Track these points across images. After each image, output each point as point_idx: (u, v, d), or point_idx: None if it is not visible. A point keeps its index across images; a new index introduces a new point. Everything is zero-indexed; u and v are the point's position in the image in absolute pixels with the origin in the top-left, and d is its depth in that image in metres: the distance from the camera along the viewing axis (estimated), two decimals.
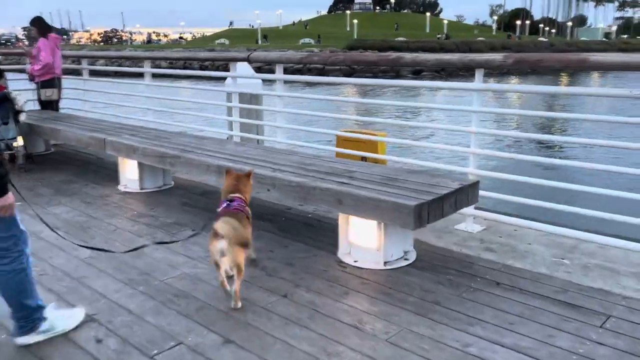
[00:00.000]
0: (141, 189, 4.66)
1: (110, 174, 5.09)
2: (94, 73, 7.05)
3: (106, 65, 13.77)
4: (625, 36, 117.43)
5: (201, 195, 4.54)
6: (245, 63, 5.40)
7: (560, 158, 3.13)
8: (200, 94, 6.24)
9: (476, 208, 3.52)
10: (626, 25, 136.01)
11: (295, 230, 3.65)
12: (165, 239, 3.49)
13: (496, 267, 3.01)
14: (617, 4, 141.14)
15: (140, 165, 4.53)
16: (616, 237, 3.20)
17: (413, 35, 73.45)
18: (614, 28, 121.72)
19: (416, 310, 2.51)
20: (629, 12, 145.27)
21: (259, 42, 68.28)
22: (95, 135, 4.79)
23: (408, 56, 3.74)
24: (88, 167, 5.54)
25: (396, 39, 65.84)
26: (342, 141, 6.96)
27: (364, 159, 7.18)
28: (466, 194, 2.96)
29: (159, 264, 3.11)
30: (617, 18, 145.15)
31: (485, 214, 3.53)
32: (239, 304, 2.54)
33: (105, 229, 3.74)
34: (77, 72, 7.09)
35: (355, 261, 3.06)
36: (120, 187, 4.77)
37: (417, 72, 41.64)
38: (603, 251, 3.19)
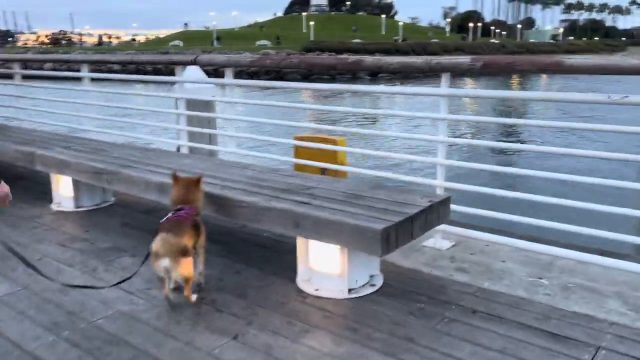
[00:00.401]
0: (77, 207, 4.19)
1: (44, 190, 4.57)
2: (28, 77, 6.45)
3: (54, 68, 12.95)
4: (571, 38, 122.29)
5: (145, 213, 4.10)
6: (197, 67, 5.00)
7: (533, 169, 2.93)
8: (149, 101, 5.78)
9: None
10: (572, 27, 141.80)
11: (249, 253, 3.28)
12: (98, 268, 3.06)
13: (471, 291, 2.74)
14: (562, 6, 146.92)
15: (75, 181, 4.06)
16: (594, 252, 2.99)
17: (369, 37, 73.96)
18: (561, 30, 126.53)
19: (386, 350, 2.19)
20: (574, 15, 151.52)
21: (215, 43, 67.15)
22: (22, 149, 4.27)
23: (369, 59, 3.44)
24: (17, 184, 4.93)
25: (353, 41, 66.10)
26: (301, 151, 6.64)
27: (324, 170, 6.90)
28: (437, 212, 2.67)
29: (90, 301, 2.68)
30: (563, 20, 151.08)
31: (455, 229, 3.27)
32: (194, 298, 2.61)
33: (29, 257, 3.26)
34: (9, 77, 6.47)
35: (316, 290, 2.72)
36: (53, 206, 4.28)
37: (375, 74, 41.82)
38: (582, 268, 2.97)
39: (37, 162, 4.08)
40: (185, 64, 4.52)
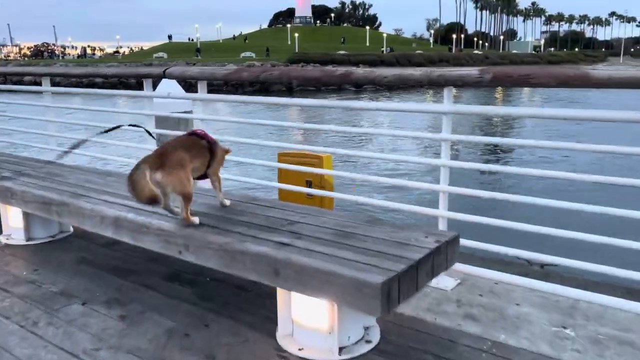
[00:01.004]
0: (28, 240, 3.68)
1: None
2: None
3: (20, 82, 12.36)
4: (552, 49, 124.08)
5: (106, 246, 3.60)
6: (173, 80, 4.54)
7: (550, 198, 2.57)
8: (122, 117, 5.28)
9: None
10: (553, 39, 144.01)
11: (221, 299, 2.80)
12: (40, 321, 2.56)
13: (485, 347, 2.29)
14: (543, 18, 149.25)
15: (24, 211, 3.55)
16: (621, 292, 2.58)
17: (354, 48, 74.10)
18: (542, 41, 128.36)
19: None
20: (554, 26, 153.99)
21: (199, 55, 66.65)
22: None
23: (359, 71, 3.01)
24: None
25: (338, 52, 66.13)
26: (285, 173, 6.18)
27: (309, 184, 6.44)
28: (444, 253, 2.23)
29: None
30: (544, 32, 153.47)
31: (461, 266, 2.83)
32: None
33: None
34: None
35: (300, 349, 2.25)
36: (2, 239, 3.75)
37: (359, 85, 41.64)
38: (611, 314, 2.54)
39: None
40: (153, 77, 4.05)
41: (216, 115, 4.27)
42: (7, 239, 3.73)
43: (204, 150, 2.58)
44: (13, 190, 3.33)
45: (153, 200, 2.43)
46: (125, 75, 4.20)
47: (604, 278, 2.71)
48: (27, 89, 5.08)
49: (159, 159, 2.39)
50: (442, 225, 2.90)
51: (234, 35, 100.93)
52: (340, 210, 6.53)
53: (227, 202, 2.80)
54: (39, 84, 4.82)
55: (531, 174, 2.61)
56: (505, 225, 2.70)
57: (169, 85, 4.73)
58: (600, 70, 2.26)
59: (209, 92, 3.93)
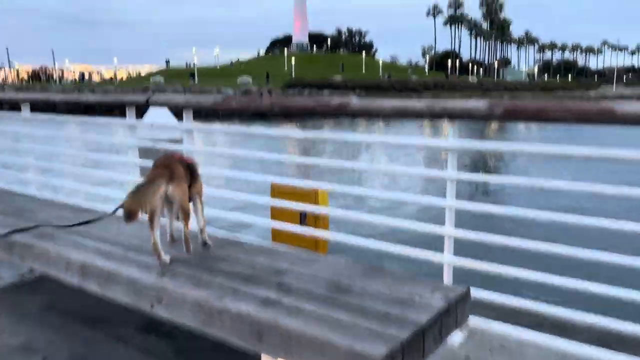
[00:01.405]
0: None
1: None
2: None
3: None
4: (546, 76, 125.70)
5: (76, 290, 3.28)
6: (165, 108, 4.30)
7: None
8: (102, 147, 4.99)
9: None
10: (546, 67, 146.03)
11: (201, 355, 2.49)
12: None
13: None
14: (537, 46, 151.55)
15: None
16: None
17: (350, 75, 74.68)
18: (536, 69, 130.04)
19: None
20: (547, 55, 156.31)
21: (196, 80, 66.94)
22: None
23: (356, 103, 2.76)
24: None
25: (334, 78, 66.60)
26: (277, 194, 5.90)
27: (302, 216, 6.15)
28: (454, 314, 1.94)
29: None
30: (537, 60, 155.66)
31: (471, 318, 2.53)
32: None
33: None
34: None
35: None
36: None
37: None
38: None
39: None
40: (136, 104, 3.80)
41: (207, 146, 4.00)
42: None
43: (186, 171, 2.49)
44: None
45: (153, 215, 2.33)
46: (107, 103, 3.94)
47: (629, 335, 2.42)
48: (3, 114, 4.81)
49: (170, 172, 2.37)
50: (447, 273, 2.62)
51: (231, 62, 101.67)
52: (334, 246, 6.26)
53: (209, 242, 2.54)
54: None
55: (550, 219, 2.34)
56: (521, 275, 2.42)
57: (158, 113, 4.49)
58: (629, 104, 2.01)
59: (202, 117, 3.69)
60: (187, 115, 3.60)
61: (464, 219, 2.64)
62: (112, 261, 2.40)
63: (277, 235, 5.87)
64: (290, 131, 3.24)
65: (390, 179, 13.97)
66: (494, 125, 37.31)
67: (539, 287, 2.50)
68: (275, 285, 2.08)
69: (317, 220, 6.12)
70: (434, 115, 2.50)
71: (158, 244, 2.33)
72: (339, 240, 3.12)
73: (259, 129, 3.47)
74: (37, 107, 4.60)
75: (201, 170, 3.50)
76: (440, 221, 2.64)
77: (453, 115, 2.44)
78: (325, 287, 2.07)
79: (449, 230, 2.58)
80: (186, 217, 2.43)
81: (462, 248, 2.65)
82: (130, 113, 3.92)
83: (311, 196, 6.07)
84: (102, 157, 4.27)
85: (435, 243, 2.83)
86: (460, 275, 2.74)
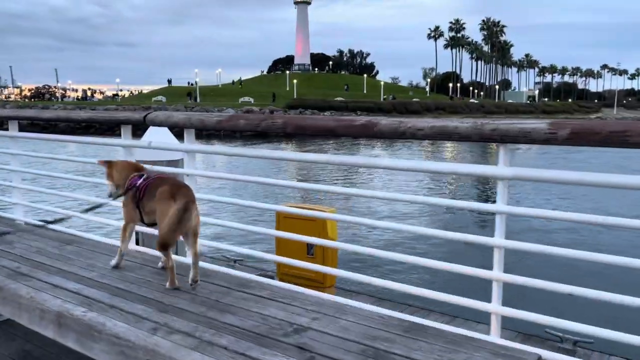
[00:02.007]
0: None
1: None
2: None
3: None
4: (546, 99, 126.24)
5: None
6: (164, 128, 3.92)
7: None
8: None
9: None
10: (546, 89, 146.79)
11: None
12: None
13: None
14: (537, 69, 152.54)
15: None
16: None
17: (352, 95, 74.86)
18: (537, 92, 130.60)
19: None
20: (547, 78, 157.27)
21: (198, 99, 66.98)
22: None
23: (385, 122, 2.38)
24: None
25: (335, 99, 66.62)
26: (284, 224, 5.50)
27: (309, 248, 5.73)
28: None
29: None
30: (537, 83, 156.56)
31: None
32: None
33: None
34: None
35: None
36: None
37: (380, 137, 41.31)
38: None
39: None
40: (132, 122, 3.41)
41: (206, 165, 3.60)
42: None
43: None
44: None
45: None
46: (100, 120, 3.56)
47: None
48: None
49: (193, 196, 2.28)
50: (495, 325, 2.19)
51: (233, 81, 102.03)
52: (342, 283, 5.80)
53: (197, 279, 2.22)
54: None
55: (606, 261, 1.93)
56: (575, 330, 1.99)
57: (157, 132, 4.10)
58: None
59: (203, 136, 3.29)
60: (189, 135, 3.21)
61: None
62: (95, 310, 1.98)
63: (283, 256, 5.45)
64: (305, 155, 2.85)
65: (395, 203, 13.53)
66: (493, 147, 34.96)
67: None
68: (296, 350, 1.66)
69: (325, 250, 5.70)
70: (484, 138, 2.10)
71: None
72: (349, 278, 2.69)
73: (269, 152, 3.08)
74: (38, 126, 4.22)
75: (202, 194, 3.11)
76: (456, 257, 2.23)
77: (507, 138, 2.04)
78: (358, 351, 1.64)
79: (498, 274, 2.16)
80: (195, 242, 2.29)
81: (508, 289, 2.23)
82: (126, 132, 3.53)
83: (319, 225, 5.66)
84: (92, 179, 3.86)
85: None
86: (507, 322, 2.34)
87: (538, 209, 2.13)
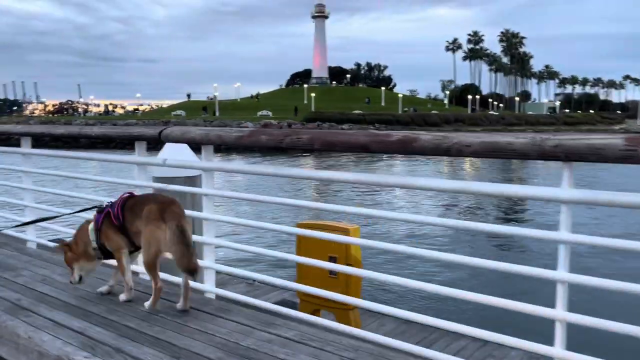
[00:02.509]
0: None
1: None
2: None
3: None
4: (567, 110, 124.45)
5: None
6: (183, 146, 3.72)
7: None
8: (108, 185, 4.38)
9: None
10: (567, 100, 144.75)
11: None
12: None
13: None
14: (557, 81, 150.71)
15: None
16: None
17: (369, 108, 74.61)
18: (557, 103, 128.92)
19: None
20: (567, 89, 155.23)
21: (217, 113, 67.43)
22: None
23: (426, 137, 2.11)
24: None
25: (353, 112, 66.45)
26: (304, 247, 5.21)
27: (332, 271, 5.41)
28: None
29: None
30: (557, 94, 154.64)
31: None
32: None
33: None
34: None
35: None
36: None
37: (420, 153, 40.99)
38: None
39: None
40: (147, 139, 3.20)
41: (226, 188, 3.36)
42: None
43: None
44: None
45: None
46: (113, 136, 3.36)
47: None
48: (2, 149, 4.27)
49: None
50: (560, 332, 1.87)
51: (251, 95, 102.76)
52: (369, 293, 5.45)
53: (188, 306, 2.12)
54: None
55: None
56: None
57: (174, 147, 3.88)
58: None
59: (222, 150, 3.06)
60: (207, 152, 2.98)
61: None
62: (100, 355, 1.73)
63: (303, 276, 5.16)
64: (332, 174, 2.58)
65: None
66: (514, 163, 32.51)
67: None
68: None
69: (349, 260, 5.31)
70: (543, 156, 1.82)
71: None
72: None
73: (300, 171, 2.82)
74: (60, 141, 4.05)
75: (220, 214, 2.86)
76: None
77: (573, 156, 1.76)
78: None
79: (561, 314, 1.86)
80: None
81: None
82: (140, 149, 3.32)
83: (340, 233, 5.34)
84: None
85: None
86: None
87: (613, 239, 1.82)
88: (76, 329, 1.95)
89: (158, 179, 3.53)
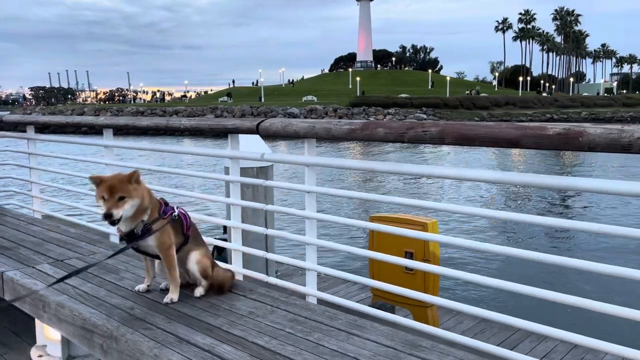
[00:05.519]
0: (66, 357, 2.62)
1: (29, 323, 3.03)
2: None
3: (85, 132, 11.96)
4: (625, 91, 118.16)
5: None
6: (256, 136, 3.52)
7: None
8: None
9: None
10: (625, 81, 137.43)
11: None
12: None
13: None
14: (614, 60, 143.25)
15: None
16: None
17: (416, 92, 73.10)
18: (614, 83, 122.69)
19: None
20: (625, 68, 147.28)
21: (262, 99, 67.68)
22: None
23: (598, 132, 1.79)
24: None
25: (399, 96, 65.28)
26: (378, 242, 4.93)
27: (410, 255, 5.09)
28: None
29: None
30: (614, 74, 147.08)
31: None
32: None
33: None
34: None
35: None
36: (34, 353, 2.72)
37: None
38: None
39: (7, 290, 2.55)
40: (244, 132, 2.99)
41: (331, 188, 3.13)
42: (41, 356, 2.68)
43: None
44: (45, 300, 2.26)
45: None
46: (204, 128, 3.18)
47: None
48: (89, 141, 4.19)
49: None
50: None
51: (289, 80, 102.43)
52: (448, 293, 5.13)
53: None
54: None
55: None
56: None
57: (247, 139, 3.68)
58: None
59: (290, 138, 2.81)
60: (310, 146, 2.75)
61: None
62: None
63: (377, 273, 4.88)
64: (412, 167, 2.30)
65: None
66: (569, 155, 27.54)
67: None
68: None
69: (428, 256, 4.94)
70: None
71: None
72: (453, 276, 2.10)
73: (401, 166, 2.53)
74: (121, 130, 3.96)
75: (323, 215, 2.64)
76: None
77: None
78: None
79: None
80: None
81: None
82: (234, 142, 3.12)
83: (419, 230, 5.02)
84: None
85: None
86: None
87: None
88: (201, 345, 1.76)
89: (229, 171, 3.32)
